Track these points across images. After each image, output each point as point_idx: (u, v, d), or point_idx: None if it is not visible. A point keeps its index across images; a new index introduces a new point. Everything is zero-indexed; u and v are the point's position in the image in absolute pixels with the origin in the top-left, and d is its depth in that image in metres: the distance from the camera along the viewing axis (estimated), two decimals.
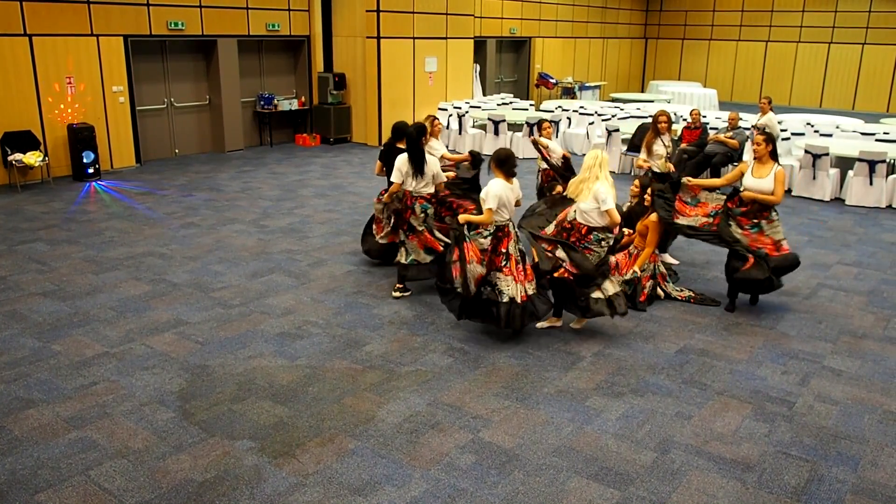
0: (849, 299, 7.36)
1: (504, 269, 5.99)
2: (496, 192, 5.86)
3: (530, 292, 6.05)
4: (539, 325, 6.39)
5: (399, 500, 4.06)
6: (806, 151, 11.81)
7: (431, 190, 6.93)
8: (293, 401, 5.16)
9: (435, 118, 8.15)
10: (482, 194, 5.93)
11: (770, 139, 6.73)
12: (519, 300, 5.97)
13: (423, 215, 6.92)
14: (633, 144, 13.14)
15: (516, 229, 6.15)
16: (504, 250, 5.98)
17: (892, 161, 11.54)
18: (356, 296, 7.22)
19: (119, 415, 4.94)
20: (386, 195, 7.13)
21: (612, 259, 7.22)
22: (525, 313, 6.02)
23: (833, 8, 24.06)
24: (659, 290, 7.19)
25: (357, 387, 5.38)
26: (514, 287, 5.98)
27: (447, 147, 8.95)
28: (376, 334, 6.30)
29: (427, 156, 6.88)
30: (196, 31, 14.05)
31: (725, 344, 6.22)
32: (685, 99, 22.11)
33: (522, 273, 6.03)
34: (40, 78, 12.01)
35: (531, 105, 18.02)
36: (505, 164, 5.95)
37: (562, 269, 6.08)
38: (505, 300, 5.95)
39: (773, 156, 6.71)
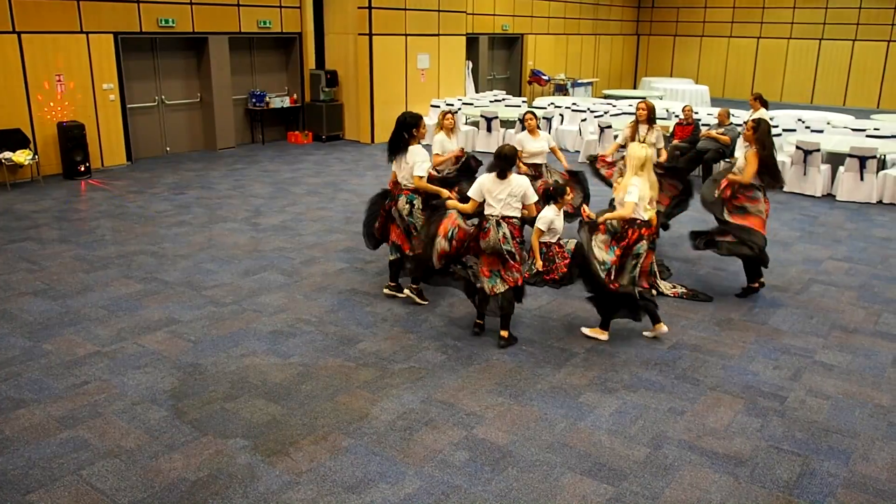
0: (840, 294, 7.39)
1: (481, 258, 5.98)
2: (479, 183, 5.88)
3: (498, 290, 5.95)
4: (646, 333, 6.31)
5: (393, 497, 4.06)
6: (797, 147, 11.85)
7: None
8: (286, 399, 5.15)
9: (448, 113, 7.86)
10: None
11: (758, 124, 7.05)
12: (487, 293, 5.99)
13: (408, 206, 6.60)
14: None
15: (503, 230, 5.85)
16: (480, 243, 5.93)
17: (883, 156, 11.60)
18: (349, 293, 7.21)
19: (111, 414, 4.92)
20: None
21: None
22: (487, 302, 6.08)
23: (824, 4, 24.15)
24: (652, 288, 7.17)
25: (350, 384, 5.37)
26: (484, 280, 5.97)
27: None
28: (369, 332, 6.30)
29: (414, 147, 6.56)
30: (187, 29, 13.99)
31: (718, 339, 6.24)
32: (677, 95, 22.15)
33: (499, 272, 5.93)
34: (29, 75, 11.93)
35: (524, 102, 18.02)
36: (496, 159, 5.89)
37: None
38: (478, 284, 6.02)
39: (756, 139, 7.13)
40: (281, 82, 16.53)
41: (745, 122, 12.46)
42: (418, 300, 6.88)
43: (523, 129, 8.66)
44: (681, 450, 4.56)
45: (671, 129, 12.70)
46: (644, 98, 20.26)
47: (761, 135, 6.98)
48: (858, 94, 23.95)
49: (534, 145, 8.31)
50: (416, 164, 6.48)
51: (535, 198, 5.93)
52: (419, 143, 6.64)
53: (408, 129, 6.57)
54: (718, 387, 5.42)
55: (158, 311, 6.70)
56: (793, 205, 11.21)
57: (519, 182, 5.85)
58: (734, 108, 14.63)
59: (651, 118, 8.21)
